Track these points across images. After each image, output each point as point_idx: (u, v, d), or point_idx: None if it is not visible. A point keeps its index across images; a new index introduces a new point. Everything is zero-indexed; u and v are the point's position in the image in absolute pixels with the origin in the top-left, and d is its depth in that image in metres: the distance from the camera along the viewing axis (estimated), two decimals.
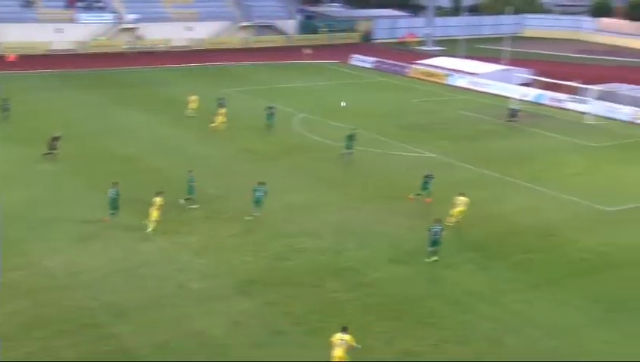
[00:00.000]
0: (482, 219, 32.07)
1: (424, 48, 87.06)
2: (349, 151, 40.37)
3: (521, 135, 47.68)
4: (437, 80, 67.30)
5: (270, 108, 47.74)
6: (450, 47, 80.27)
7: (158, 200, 29.16)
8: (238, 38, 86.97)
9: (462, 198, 31.39)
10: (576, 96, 55.75)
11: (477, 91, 62.70)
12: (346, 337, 20.01)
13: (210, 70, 70.34)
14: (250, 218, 31.06)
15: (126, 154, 40.43)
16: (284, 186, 35.07)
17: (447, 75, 67.28)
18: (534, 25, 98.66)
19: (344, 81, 67.22)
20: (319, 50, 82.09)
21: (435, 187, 34.54)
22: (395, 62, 73.45)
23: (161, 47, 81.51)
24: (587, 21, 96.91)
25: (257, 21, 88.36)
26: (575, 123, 51.37)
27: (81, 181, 35.29)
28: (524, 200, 34.87)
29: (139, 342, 21.68)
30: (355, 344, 20.07)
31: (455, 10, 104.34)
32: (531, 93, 59.07)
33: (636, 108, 52.53)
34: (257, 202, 31.23)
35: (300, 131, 46.96)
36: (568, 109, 55.27)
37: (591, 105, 52.70)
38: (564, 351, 21.92)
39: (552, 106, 56.62)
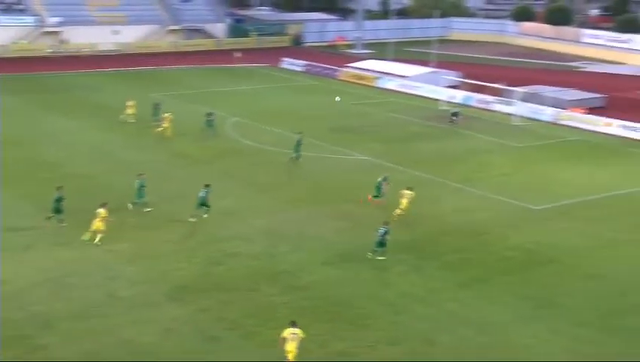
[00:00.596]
0: (414, 221, 32.47)
1: (354, 51, 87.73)
2: (297, 154, 40.52)
3: (450, 136, 48.52)
4: (367, 83, 67.90)
5: (209, 114, 46.97)
6: (380, 50, 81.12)
7: (102, 211, 28.31)
8: (166, 42, 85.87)
9: (408, 192, 32.28)
10: (502, 98, 57.11)
11: (406, 93, 63.53)
12: (297, 331, 20.52)
13: (139, 74, 69.19)
14: (194, 219, 30.99)
15: (55, 160, 39.36)
16: (217, 191, 34.67)
17: (377, 78, 67.97)
18: (461, 28, 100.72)
19: (275, 84, 67.14)
20: (249, 53, 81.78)
21: (368, 189, 34.78)
22: (326, 66, 73.78)
23: (87, 51, 79.73)
24: (510, 25, 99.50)
25: (186, 25, 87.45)
26: (502, 124, 52.60)
27: (9, 189, 34.10)
28: (454, 200, 35.45)
29: (67, 353, 21.09)
30: (303, 337, 20.49)
31: (384, 14, 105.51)
32: (459, 95, 60.20)
33: (558, 110, 54.13)
34: (201, 204, 31.05)
35: (233, 135, 46.63)
36: (495, 111, 56.56)
37: (516, 107, 54.05)
38: (495, 347, 22.36)
39: (479, 108, 57.84)
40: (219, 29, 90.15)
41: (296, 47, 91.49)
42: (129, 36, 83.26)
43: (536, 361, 21.74)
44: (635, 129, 49.27)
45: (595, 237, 31.16)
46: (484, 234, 31.15)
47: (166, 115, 45.71)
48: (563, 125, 52.33)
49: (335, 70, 72.17)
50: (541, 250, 29.60)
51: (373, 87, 66.74)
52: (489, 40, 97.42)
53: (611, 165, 42.28)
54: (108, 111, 50.66)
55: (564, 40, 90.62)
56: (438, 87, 61.87)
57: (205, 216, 31.38)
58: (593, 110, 54.65)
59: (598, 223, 32.76)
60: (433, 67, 68.19)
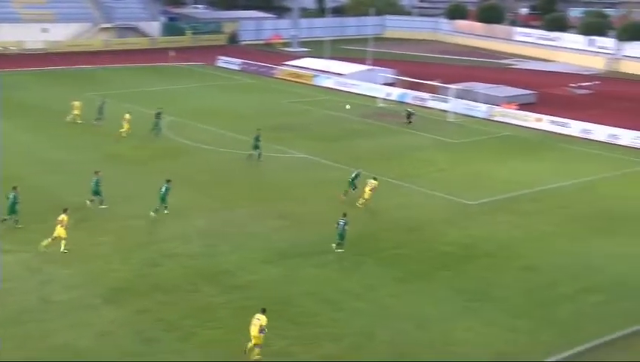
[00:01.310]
0: (353, 218, 32.61)
1: (290, 49, 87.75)
2: (257, 151, 40.61)
3: (387, 133, 49.03)
4: (304, 81, 68.02)
5: (158, 114, 46.09)
6: (316, 48, 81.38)
7: (64, 217, 27.58)
8: (99, 40, 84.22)
9: (372, 181, 33.72)
10: (437, 95, 58.03)
11: (343, 91, 63.91)
12: (261, 317, 21.19)
13: (70, 73, 67.68)
14: (154, 214, 31.23)
15: None
16: (153, 191, 34.24)
17: (314, 76, 68.17)
18: (395, 26, 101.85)
19: (212, 83, 66.64)
20: (185, 52, 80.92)
21: (306, 187, 34.91)
22: (262, 64, 73.60)
23: (14, 49, 77.49)
24: (444, 23, 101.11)
25: (119, 23, 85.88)
26: (437, 121, 53.43)
27: None
28: (393, 197, 35.85)
29: (2, 360, 20.49)
30: (265, 326, 20.99)
31: (320, 12, 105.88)
32: (395, 93, 60.90)
33: (491, 106, 55.32)
34: (162, 199, 31.35)
35: (169, 135, 46.08)
36: (430, 108, 57.42)
37: (451, 104, 55.01)
38: (433, 340, 22.74)
39: (415, 105, 58.55)
40: (153, 27, 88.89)
41: (233, 46, 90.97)
42: (59, 34, 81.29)
43: (474, 353, 22.19)
44: (563, 124, 50.76)
45: (528, 230, 31.99)
46: (421, 230, 31.62)
47: (127, 116, 44.72)
48: (496, 121, 53.50)
49: (272, 68, 72.05)
50: (477, 244, 30.22)
51: (310, 85, 66.89)
52: (423, 38, 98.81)
53: (542, 160, 43.45)
54: (37, 110, 49.36)
55: (496, 38, 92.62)
56: (375, 85, 62.42)
57: (166, 211, 31.45)
58: (524, 106, 56.04)
59: (530, 217, 33.63)
60: (369, 65, 68.79)
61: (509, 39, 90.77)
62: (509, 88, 61.45)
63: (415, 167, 41.36)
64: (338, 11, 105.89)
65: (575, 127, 50.03)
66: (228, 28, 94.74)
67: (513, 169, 41.38)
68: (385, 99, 59.52)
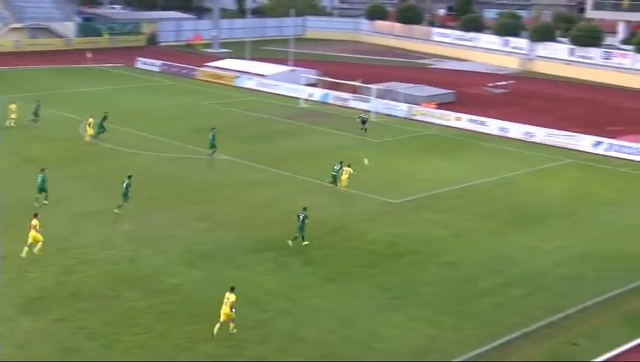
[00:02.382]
0: (276, 218, 32.65)
1: (211, 51, 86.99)
2: (213, 151, 41.03)
3: (309, 134, 49.14)
4: (226, 82, 67.54)
5: (104, 117, 44.78)
6: (237, 49, 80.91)
7: (35, 222, 27.43)
8: (9, 41, 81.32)
9: (347, 169, 36.14)
10: (359, 95, 58.54)
11: (265, 92, 63.76)
12: (231, 296, 22.31)
13: None
14: (118, 210, 31.74)
15: None
16: (72, 196, 33.40)
17: (236, 77, 67.76)
18: (316, 27, 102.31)
19: (131, 85, 65.35)
20: (102, 53, 79.13)
21: (229, 189, 34.63)
22: (183, 65, 72.70)
23: None
24: (364, 23, 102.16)
25: (30, 23, 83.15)
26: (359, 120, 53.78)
27: None
28: (315, 197, 35.91)
29: None
30: (234, 304, 22.14)
31: (240, 13, 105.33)
32: (317, 93, 61.13)
33: (412, 105, 56.19)
34: (124, 195, 31.97)
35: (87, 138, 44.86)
36: (352, 108, 57.87)
37: (372, 103, 55.57)
38: (360, 338, 22.87)
39: (337, 105, 58.96)
40: (67, 27, 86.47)
41: (152, 47, 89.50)
42: None
43: (399, 349, 22.43)
44: (481, 123, 52.01)
45: (450, 227, 32.60)
46: (345, 229, 31.80)
47: (90, 119, 43.92)
48: (417, 120, 54.36)
49: (193, 70, 71.25)
50: (400, 242, 30.59)
51: (231, 86, 66.45)
52: (344, 38, 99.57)
53: (462, 158, 44.38)
54: None
55: (415, 38, 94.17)
56: (297, 85, 62.51)
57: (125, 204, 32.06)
58: (444, 105, 57.15)
59: (452, 214, 34.29)
60: (291, 65, 68.85)
61: (427, 39, 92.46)
62: (428, 88, 62.57)
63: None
64: (258, 12, 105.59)
65: (492, 126, 51.34)
66: (147, 29, 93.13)
67: (435, 167, 42.11)
68: (307, 99, 59.66)
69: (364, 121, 49.18)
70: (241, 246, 29.34)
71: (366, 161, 40.04)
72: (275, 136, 48.07)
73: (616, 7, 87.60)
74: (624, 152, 45.40)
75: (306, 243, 29.38)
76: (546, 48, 79.10)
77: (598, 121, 55.13)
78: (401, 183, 38.65)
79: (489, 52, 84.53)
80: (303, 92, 60.66)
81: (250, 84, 66.31)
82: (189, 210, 33.12)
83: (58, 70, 70.26)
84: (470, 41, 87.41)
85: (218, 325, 22.21)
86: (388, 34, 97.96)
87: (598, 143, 46.72)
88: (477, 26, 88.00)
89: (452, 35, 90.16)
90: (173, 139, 45.33)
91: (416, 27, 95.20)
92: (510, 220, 33.68)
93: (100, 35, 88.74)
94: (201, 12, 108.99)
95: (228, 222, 32.06)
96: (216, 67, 71.19)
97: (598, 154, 45.92)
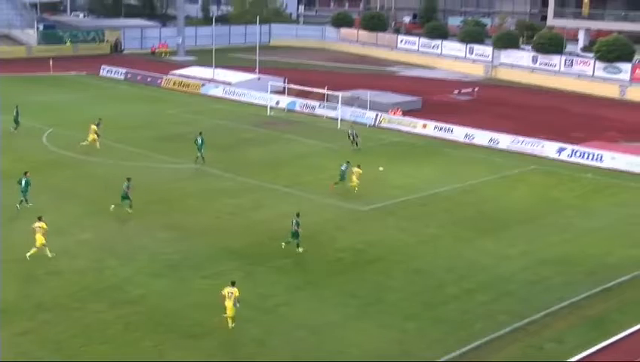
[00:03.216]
0: (244, 227, 32.68)
1: (176, 58, 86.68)
2: (201, 154, 41.77)
3: (277, 142, 49.20)
4: (192, 90, 67.34)
5: (98, 122, 44.95)
6: (203, 56, 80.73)
7: (43, 224, 28.01)
8: None
9: (357, 170, 37.15)
10: (326, 103, 58.78)
11: (232, 100, 63.70)
12: (234, 289, 23.07)
13: None
14: (113, 207, 33.03)
15: None
16: (36, 206, 32.96)
17: (202, 85, 67.59)
18: (282, 34, 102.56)
19: (95, 93, 64.82)
20: (65, 61, 78.36)
21: (196, 197, 34.52)
22: (148, 73, 72.31)
23: None
24: (330, 31, 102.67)
25: None
26: (326, 128, 54.11)
27: None
28: (283, 205, 36.00)
29: None
30: (239, 298, 23.05)
31: (205, 20, 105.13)
32: (284, 101, 61.25)
33: (379, 113, 56.58)
34: (124, 197, 32.91)
35: (50, 147, 44.43)
36: (319, 115, 58.09)
37: (339, 111, 55.84)
38: (328, 345, 22.98)
39: (304, 113, 59.15)
40: (29, 35, 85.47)
41: (116, 55, 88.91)
42: None
43: (368, 356, 22.59)
44: (448, 130, 52.56)
45: (417, 234, 32.90)
46: (313, 237, 31.86)
47: (93, 126, 44.12)
48: (384, 128, 54.75)
49: (158, 78, 70.91)
50: (369, 249, 30.78)
51: (197, 94, 66.28)
52: (310, 46, 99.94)
53: (429, 165, 44.81)
54: None
55: (380, 46, 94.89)
56: (264, 93, 62.57)
57: (130, 210, 32.89)
58: (412, 112, 57.65)
59: (419, 221, 34.60)
60: (257, 73, 68.90)
61: (393, 47, 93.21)
62: (395, 95, 63.07)
63: (305, 174, 41.71)
64: (224, 20, 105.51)
65: (459, 133, 51.91)
66: (111, 36, 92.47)
67: (402, 174, 42.45)
68: (274, 107, 59.76)
69: (354, 137, 47.73)
70: (209, 255, 29.28)
71: (381, 168, 40.71)
72: (242, 144, 48.05)
73: (577, 16, 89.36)
74: (587, 158, 46.23)
75: (301, 249, 29.71)
76: (509, 56, 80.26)
77: (562, 127, 56.09)
78: (368, 190, 38.87)
79: (454, 59, 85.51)
80: (269, 100, 60.74)
81: (216, 92, 66.20)
82: (156, 219, 32.96)
83: (19, 78, 69.40)
84: (435, 48, 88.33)
85: (228, 318, 23.11)
86: (354, 41, 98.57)
87: (562, 150, 47.51)
88: (442, 34, 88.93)
89: (417, 42, 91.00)
90: (139, 147, 45.07)
91: (381, 35, 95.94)
92: (476, 226, 34.11)
93: (62, 42, 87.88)
94: (165, 20, 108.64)
95: (195, 231, 31.98)
96: (182, 75, 70.92)
97: (562, 160, 46.70)
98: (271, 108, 59.09)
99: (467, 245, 31.79)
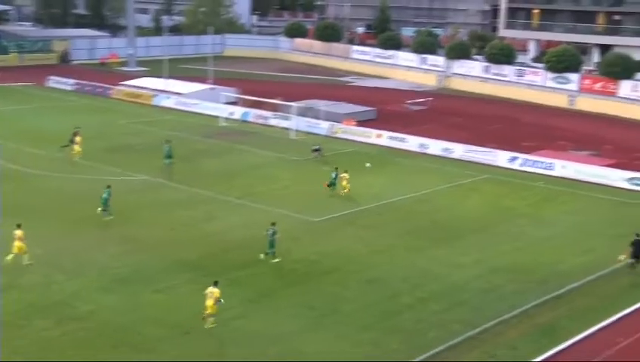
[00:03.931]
0: (197, 239, 32.47)
1: (127, 69, 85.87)
2: (170, 161, 43.67)
3: (231, 153, 49.04)
4: (143, 101, 66.76)
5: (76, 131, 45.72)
6: (154, 67, 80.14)
7: (19, 232, 28.70)
8: None
9: (344, 175, 39.55)
10: (279, 113, 58.87)
11: (184, 111, 63.33)
12: (215, 290, 24.34)
13: None
14: (102, 212, 34.18)
15: None
16: None
17: (154, 96, 67.06)
18: (235, 45, 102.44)
19: (42, 104, 63.77)
20: (11, 71, 76.99)
21: (148, 210, 34.21)
22: (98, 84, 71.48)
23: None
24: (284, 41, 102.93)
25: None
26: (280, 138, 54.16)
27: None
28: (236, 216, 35.90)
29: None
30: (220, 297, 24.19)
31: (156, 30, 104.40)
32: (237, 112, 61.14)
33: (333, 123, 56.85)
34: (104, 203, 34.22)
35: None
36: (273, 126, 58.12)
37: (293, 121, 55.97)
38: (285, 357, 22.95)
39: (258, 123, 59.12)
40: None
41: (64, 65, 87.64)
42: None
43: None
44: (402, 139, 53.09)
45: (371, 244, 33.11)
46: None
47: (77, 138, 45.01)
48: (338, 138, 55.01)
49: (108, 88, 70.15)
50: (324, 260, 30.86)
51: (149, 105, 65.74)
52: (264, 56, 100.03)
53: (384, 174, 45.15)
54: None
55: (334, 56, 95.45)
56: (217, 104, 62.36)
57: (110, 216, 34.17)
58: (365, 122, 58.05)
59: (374, 230, 34.84)
60: (210, 84, 68.61)
61: (346, 57, 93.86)
62: (349, 105, 63.48)
63: (258, 185, 41.66)
64: (176, 30, 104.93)
65: (413, 142, 52.46)
66: (58, 46, 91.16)
67: (357, 184, 42.55)
68: (227, 118, 59.61)
69: (317, 150, 48.54)
70: (161, 269, 29.03)
71: (368, 165, 41.12)
72: (195, 155, 47.76)
73: (527, 27, 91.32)
74: (538, 167, 47.16)
75: (277, 260, 29.97)
76: (462, 66, 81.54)
77: (514, 136, 57.12)
78: (323, 201, 39.02)
79: (407, 69, 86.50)
80: (222, 110, 60.55)
81: (168, 102, 65.76)
82: (106, 233, 32.54)
83: None
84: (389, 58, 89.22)
85: (206, 316, 24.19)
86: (307, 52, 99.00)
87: (514, 159, 48.38)
88: (395, 44, 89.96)
89: (371, 52, 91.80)
90: (89, 159, 44.47)
91: (335, 45, 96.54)
92: (430, 235, 34.47)
93: (6, 53, 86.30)
94: (116, 30, 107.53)
95: (147, 243, 31.67)
96: (133, 86, 70.29)
97: (514, 169, 47.55)
98: (224, 118, 58.89)
99: (421, 254, 32.11)
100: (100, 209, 34.37)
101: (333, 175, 39.99)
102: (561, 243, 34.29)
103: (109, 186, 34.85)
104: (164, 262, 29.74)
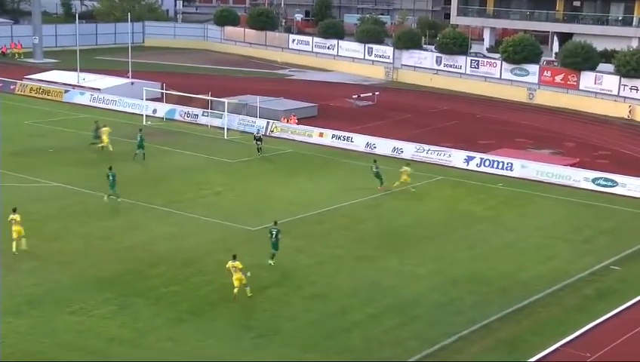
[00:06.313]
0: (117, 253, 32.01)
1: (33, 61, 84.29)
2: (142, 151, 46.47)
3: (155, 155, 48.41)
4: (52, 97, 65.62)
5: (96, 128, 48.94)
6: (65, 59, 78.79)
7: (16, 216, 31.71)
8: None
9: (406, 168, 42.07)
10: (210, 110, 58.50)
11: (101, 108, 62.43)
12: (236, 263, 27.82)
13: None
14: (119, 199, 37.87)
15: None
16: None
17: (65, 92, 65.90)
18: (158, 33, 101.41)
19: None
20: None
21: (62, 221, 33.53)
22: None
23: None
24: (213, 30, 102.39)
25: None
26: (210, 138, 53.83)
27: None
28: (161, 226, 35.51)
29: None
30: (243, 268, 27.68)
31: (67, 17, 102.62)
32: (162, 109, 60.52)
33: (270, 121, 56.77)
34: (112, 186, 37.92)
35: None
36: (202, 124, 57.73)
37: (225, 119, 55.68)
38: None
39: (185, 122, 58.65)
40: None
41: None
42: None
43: None
44: (347, 138, 53.36)
45: (315, 254, 33.14)
46: (197, 263, 31.58)
47: (104, 128, 48.45)
48: (276, 137, 54.98)
49: (10, 83, 68.76)
50: (262, 273, 30.67)
51: (60, 102, 64.61)
52: (190, 46, 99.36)
53: (328, 177, 45.28)
54: None
55: (270, 46, 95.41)
56: (138, 100, 61.61)
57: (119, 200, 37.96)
58: (305, 120, 58.16)
59: (316, 240, 34.88)
60: (130, 78, 67.77)
61: (284, 47, 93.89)
62: (288, 101, 63.54)
63: (186, 191, 41.31)
64: (89, 17, 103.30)
65: (359, 142, 52.79)
66: None
67: (297, 189, 42.71)
68: (151, 116, 58.93)
69: (258, 140, 49.54)
70: (77, 288, 28.50)
71: (279, 59, 43.36)
72: (114, 158, 47.00)
73: (481, 13, 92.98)
74: (496, 167, 47.99)
75: (272, 263, 31.22)
76: (412, 56, 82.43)
77: (469, 134, 58.04)
78: (260, 208, 38.89)
79: (352, 61, 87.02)
80: (145, 108, 59.84)
81: (82, 99, 64.72)
82: (12, 248, 31.74)
83: None
84: (331, 49, 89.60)
85: (235, 291, 27.42)
86: (240, 41, 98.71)
87: (470, 158, 49.11)
88: (337, 33, 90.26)
89: (311, 42, 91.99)
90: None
91: (271, 34, 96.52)
92: (380, 244, 34.69)
93: None
94: (18, 16, 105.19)
95: (59, 259, 31.07)
96: (41, 80, 69.01)
97: (470, 169, 48.28)
98: (147, 117, 58.23)
99: (370, 265, 32.29)
100: (108, 195, 38.15)
101: (375, 169, 42.16)
102: (521, 249, 34.95)
103: (110, 168, 38.74)
104: (79, 280, 29.27)
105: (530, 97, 72.91)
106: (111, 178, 38.25)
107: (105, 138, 48.36)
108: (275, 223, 31.93)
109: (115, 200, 38.32)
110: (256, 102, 59.61)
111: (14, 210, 32.01)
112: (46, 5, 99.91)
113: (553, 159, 50.99)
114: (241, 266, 27.78)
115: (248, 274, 27.90)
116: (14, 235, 31.50)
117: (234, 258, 27.97)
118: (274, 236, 31.42)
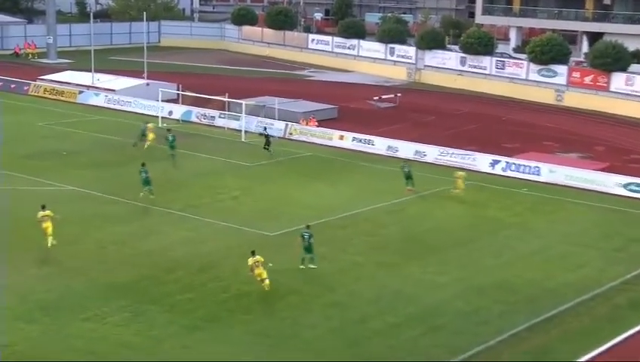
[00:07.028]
0: (133, 258, 32.14)
1: (47, 61, 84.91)
2: (174, 152, 47.23)
3: (169, 157, 48.57)
4: (66, 98, 66.02)
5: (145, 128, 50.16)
6: (79, 59, 79.32)
7: (48, 212, 32.63)
8: None
9: (461, 173, 43.17)
10: (227, 112, 58.63)
11: (116, 110, 62.74)
12: (257, 258, 29.01)
13: None
14: (152, 196, 39.04)
15: None
16: None
17: (79, 93, 66.30)
18: (174, 33, 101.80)
19: None
20: None
21: (76, 226, 33.75)
22: (11, 79, 70.53)
23: None
24: (230, 29, 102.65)
25: None
26: (228, 141, 53.95)
27: None
28: (178, 231, 35.61)
29: None
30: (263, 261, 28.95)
31: (81, 16, 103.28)
32: (178, 110, 60.73)
33: (289, 123, 56.81)
34: (146, 182, 39.46)
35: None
36: (219, 126, 57.86)
37: (243, 122, 55.77)
38: None
39: (202, 124, 58.82)
40: None
41: None
42: None
43: None
44: (368, 141, 53.28)
45: (335, 261, 33.10)
46: (214, 268, 31.65)
47: (149, 125, 50.51)
48: (295, 140, 55.01)
49: (24, 84, 69.25)
50: (280, 280, 30.68)
51: (74, 103, 65.02)
52: (207, 46, 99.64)
53: (348, 182, 45.22)
54: None
55: (289, 46, 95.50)
56: (154, 102, 61.86)
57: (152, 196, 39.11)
58: (325, 122, 58.13)
59: (337, 246, 34.80)
60: (145, 79, 68.09)
61: (303, 47, 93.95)
62: (307, 103, 63.53)
63: (203, 195, 41.41)
64: (104, 16, 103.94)
65: (380, 145, 52.68)
66: None
67: (317, 193, 42.68)
68: (166, 118, 59.14)
69: (266, 136, 50.33)
70: (90, 294, 28.62)
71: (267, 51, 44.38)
72: (128, 161, 47.15)
73: (507, 12, 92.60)
74: (523, 172, 47.73)
75: (314, 266, 31.76)
76: (435, 57, 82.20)
77: (494, 137, 57.79)
78: (277, 213, 38.91)
79: (373, 61, 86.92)
80: (161, 109, 60.08)
81: (97, 100, 65.06)
82: (27, 253, 32.01)
83: None
84: (351, 49, 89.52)
85: (267, 282, 29.02)
86: (258, 41, 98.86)
87: (495, 162, 48.88)
88: (358, 32, 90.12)
89: (331, 42, 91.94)
90: (3, 167, 43.70)
91: (289, 34, 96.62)
92: (402, 251, 34.60)
93: None
94: (32, 15, 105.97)
95: (73, 265, 31.23)
96: (55, 81, 69.43)
97: (496, 174, 48.04)
98: (162, 119, 58.45)
99: (392, 272, 32.20)
100: (144, 191, 39.36)
101: (406, 169, 42.88)
102: (549, 257, 34.72)
103: (143, 164, 39.96)
104: (93, 286, 29.39)
105: (558, 99, 72.46)
106: (144, 175, 39.40)
107: (151, 134, 49.72)
108: (308, 227, 32.36)
109: (147, 196, 39.44)
110: (274, 103, 59.70)
111: (43, 207, 32.95)
112: (60, 4, 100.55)
113: (582, 163, 50.62)
114: (262, 260, 28.94)
115: (270, 264, 29.18)
116: (48, 231, 32.45)
117: (253, 253, 29.04)
118: (307, 239, 31.69)
